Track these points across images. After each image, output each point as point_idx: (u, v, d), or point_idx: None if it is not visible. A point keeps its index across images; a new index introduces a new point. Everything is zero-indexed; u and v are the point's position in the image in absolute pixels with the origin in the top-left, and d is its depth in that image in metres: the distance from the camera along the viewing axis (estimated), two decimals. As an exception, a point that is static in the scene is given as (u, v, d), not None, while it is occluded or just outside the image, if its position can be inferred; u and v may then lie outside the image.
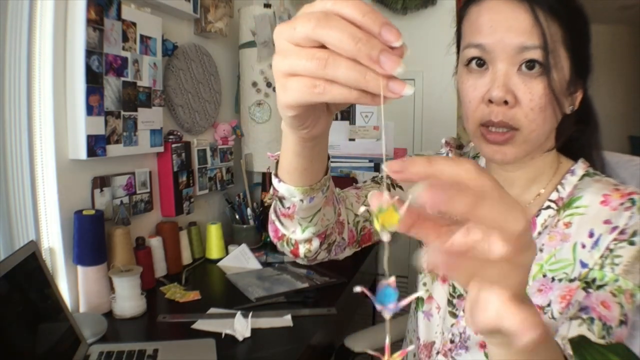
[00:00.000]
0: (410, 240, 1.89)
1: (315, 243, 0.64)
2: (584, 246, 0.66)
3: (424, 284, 0.82)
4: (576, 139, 0.75)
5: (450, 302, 0.77)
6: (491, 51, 0.63)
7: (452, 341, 0.76)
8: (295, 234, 0.62)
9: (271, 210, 0.65)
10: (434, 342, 0.79)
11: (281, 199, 0.58)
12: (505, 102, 0.62)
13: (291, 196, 0.55)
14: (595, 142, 0.76)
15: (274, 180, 0.56)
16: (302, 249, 0.65)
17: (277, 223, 0.64)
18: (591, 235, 0.65)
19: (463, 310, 0.75)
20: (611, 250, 0.63)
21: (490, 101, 0.63)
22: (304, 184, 0.54)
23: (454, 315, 0.76)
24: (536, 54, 0.61)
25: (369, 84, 0.32)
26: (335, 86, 0.33)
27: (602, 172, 0.74)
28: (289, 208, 0.58)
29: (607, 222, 0.64)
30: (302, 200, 0.55)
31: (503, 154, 0.65)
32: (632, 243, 0.62)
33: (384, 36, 0.31)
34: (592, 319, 0.60)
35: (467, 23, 0.68)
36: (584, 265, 0.65)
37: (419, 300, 0.82)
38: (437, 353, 0.77)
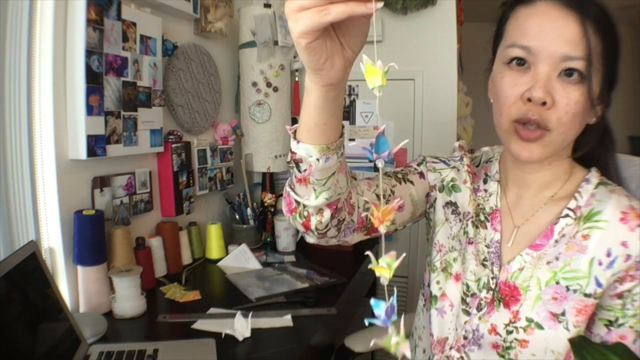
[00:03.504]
0: (410, 240, 1.89)
1: (327, 214, 0.65)
2: (600, 263, 0.69)
3: (437, 282, 0.84)
4: (591, 150, 0.78)
5: (463, 300, 0.79)
6: (536, 54, 0.66)
7: (465, 337, 0.78)
8: (309, 201, 0.63)
9: (286, 184, 0.68)
10: (447, 338, 0.81)
11: (298, 163, 0.60)
12: (544, 103, 0.65)
13: (308, 156, 0.58)
14: (612, 158, 0.80)
15: (293, 144, 0.59)
16: (313, 221, 0.66)
17: (292, 193, 0.65)
18: (609, 254, 0.69)
19: (476, 309, 0.77)
20: (630, 291, 0.68)
21: (529, 100, 0.66)
22: (322, 142, 0.57)
23: (467, 313, 0.78)
24: (578, 64, 0.64)
25: None
26: (335, 5, 0.41)
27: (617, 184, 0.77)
28: (305, 171, 0.60)
29: (624, 244, 0.68)
30: (318, 160, 0.58)
31: (530, 152, 0.68)
32: None
33: None
34: None
35: (514, 23, 0.70)
36: (599, 284, 0.69)
37: (432, 297, 0.84)
38: (450, 348, 0.80)
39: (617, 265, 0.68)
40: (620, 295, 0.69)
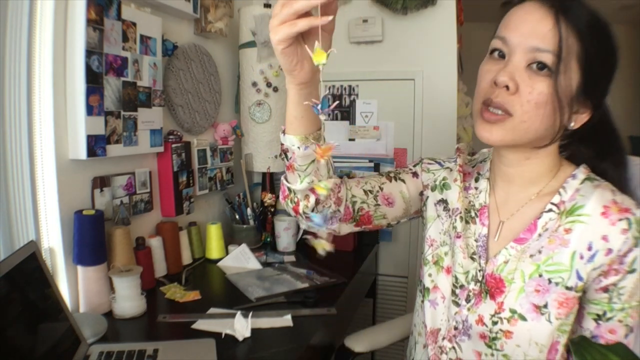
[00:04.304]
0: (410, 241, 1.89)
1: (312, 200, 0.75)
2: (582, 257, 0.71)
3: (429, 275, 0.88)
4: (600, 157, 0.81)
5: (453, 292, 0.83)
6: (510, 45, 0.70)
7: (455, 328, 0.81)
8: (296, 185, 0.74)
9: (282, 176, 0.79)
10: (439, 329, 0.84)
11: (285, 153, 0.73)
12: (507, 88, 0.69)
13: (291, 145, 0.70)
14: (623, 173, 0.81)
15: (281, 137, 0.72)
16: (301, 206, 0.77)
17: (284, 181, 0.77)
18: (590, 248, 0.71)
19: (465, 300, 0.80)
20: (615, 285, 0.70)
21: (496, 84, 0.70)
22: (302, 133, 0.69)
23: (457, 305, 0.81)
24: (546, 57, 0.67)
25: (311, 1, 0.54)
26: (300, 20, 0.56)
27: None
28: (290, 158, 0.72)
29: (604, 238, 0.70)
30: (299, 148, 0.69)
31: (490, 133, 0.72)
32: (632, 271, 0.69)
33: None
34: None
35: (504, 19, 0.74)
36: (579, 277, 0.71)
37: (425, 290, 0.88)
38: (443, 339, 0.83)
39: (597, 259, 0.70)
40: (605, 289, 0.71)
